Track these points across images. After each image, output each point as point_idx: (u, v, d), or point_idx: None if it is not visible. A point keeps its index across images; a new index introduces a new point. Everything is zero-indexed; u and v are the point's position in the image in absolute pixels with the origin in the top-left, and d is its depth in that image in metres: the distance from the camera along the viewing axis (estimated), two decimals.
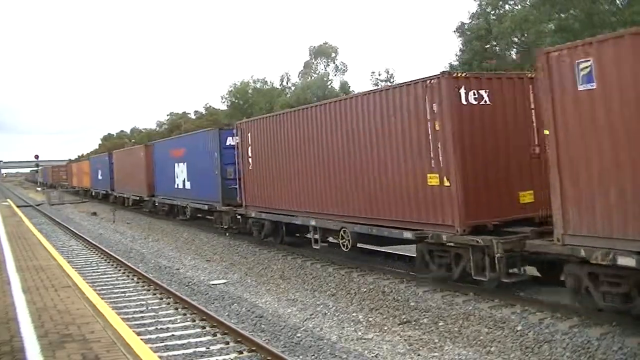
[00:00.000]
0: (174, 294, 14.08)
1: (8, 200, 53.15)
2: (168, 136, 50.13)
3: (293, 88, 71.00)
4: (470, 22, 32.45)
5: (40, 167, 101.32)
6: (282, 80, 74.05)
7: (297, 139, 17.98)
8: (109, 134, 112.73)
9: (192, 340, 10.60)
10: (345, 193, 15.63)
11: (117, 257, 20.07)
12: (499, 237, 11.46)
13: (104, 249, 22.23)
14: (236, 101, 71.30)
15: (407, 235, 13.39)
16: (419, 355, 9.97)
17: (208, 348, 10.12)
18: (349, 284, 14.77)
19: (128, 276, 17.15)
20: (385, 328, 11.51)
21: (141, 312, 12.84)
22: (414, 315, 12.03)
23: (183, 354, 9.83)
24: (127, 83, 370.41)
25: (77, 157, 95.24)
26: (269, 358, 9.42)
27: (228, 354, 9.81)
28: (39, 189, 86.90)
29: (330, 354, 9.91)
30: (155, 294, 14.55)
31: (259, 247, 20.87)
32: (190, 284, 16.16)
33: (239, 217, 22.52)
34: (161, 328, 11.48)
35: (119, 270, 18.22)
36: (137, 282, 16.15)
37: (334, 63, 71.02)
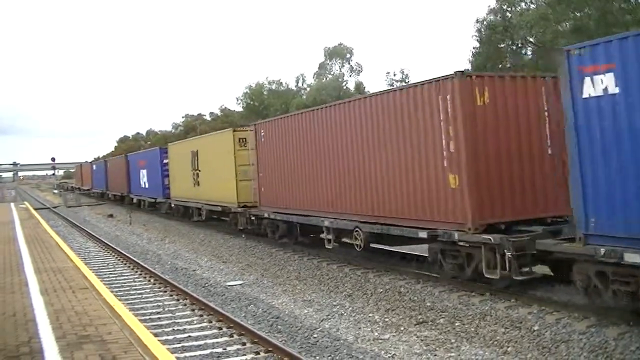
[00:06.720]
0: (190, 295, 14.13)
1: (25, 202, 53.59)
2: (184, 138, 49.34)
3: (308, 89, 70.98)
4: (488, 18, 32.19)
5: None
6: (297, 82, 74.03)
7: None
8: (124, 136, 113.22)
9: (208, 341, 10.63)
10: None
11: (133, 258, 20.19)
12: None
13: (120, 250, 22.38)
14: (251, 103, 71.34)
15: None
16: (435, 355, 9.94)
17: (225, 349, 10.15)
18: (365, 284, 14.76)
19: (145, 277, 17.24)
20: (402, 328, 11.48)
21: (158, 313, 12.92)
22: (431, 316, 12.00)
23: (200, 354, 9.87)
24: (142, 85, 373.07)
25: (93, 159, 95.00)
26: (285, 359, 9.44)
27: (245, 355, 9.83)
28: (55, 191, 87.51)
29: (347, 354, 9.91)
30: (172, 295, 14.62)
31: (275, 249, 20.90)
32: (206, 285, 16.21)
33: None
34: (178, 329, 11.53)
35: (136, 271, 18.33)
36: (154, 284, 16.23)
37: (348, 64, 70.78)
